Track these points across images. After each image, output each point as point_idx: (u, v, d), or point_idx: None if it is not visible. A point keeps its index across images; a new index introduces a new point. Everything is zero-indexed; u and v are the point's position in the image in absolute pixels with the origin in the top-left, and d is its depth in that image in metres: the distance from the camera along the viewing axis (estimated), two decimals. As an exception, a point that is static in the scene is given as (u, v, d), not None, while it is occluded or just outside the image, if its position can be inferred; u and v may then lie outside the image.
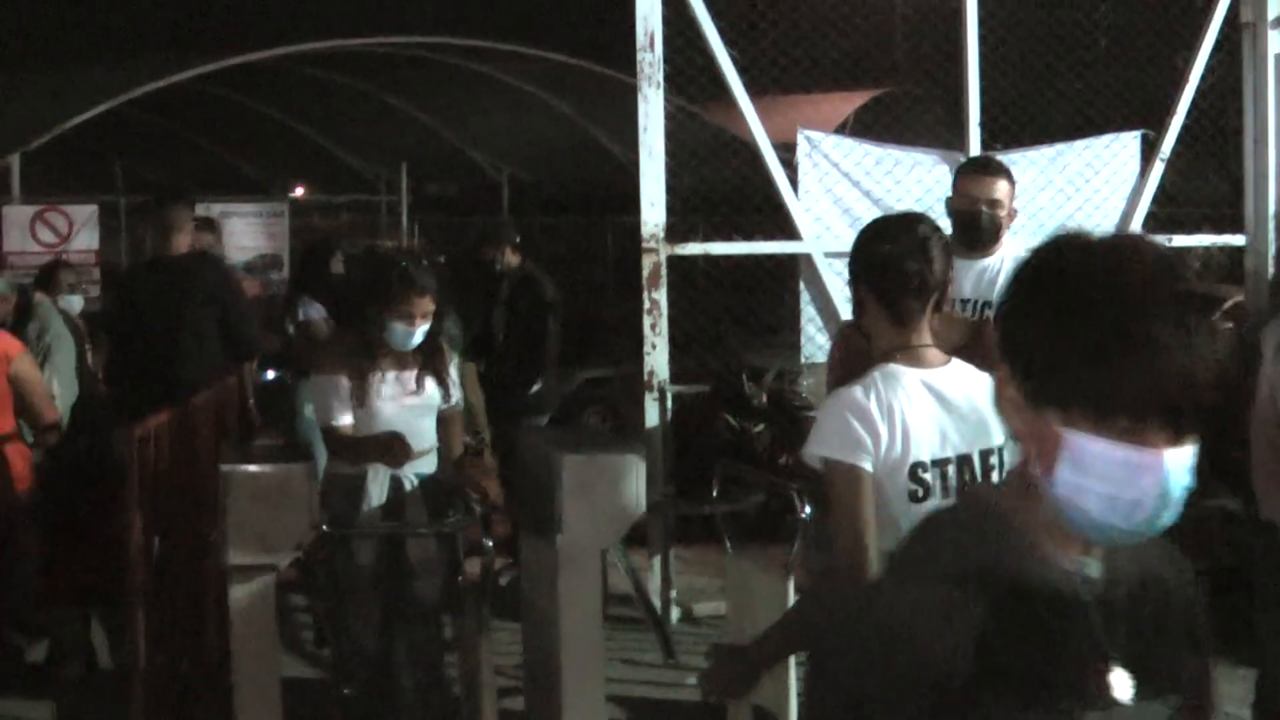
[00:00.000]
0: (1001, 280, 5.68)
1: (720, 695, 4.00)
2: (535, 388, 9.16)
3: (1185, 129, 8.41)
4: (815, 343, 8.00)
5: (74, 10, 22.35)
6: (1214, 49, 8.33)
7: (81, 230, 14.65)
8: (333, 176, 22.06)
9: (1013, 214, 6.00)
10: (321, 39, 16.97)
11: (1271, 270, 8.26)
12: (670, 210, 7.70)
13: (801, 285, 8.08)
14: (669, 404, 7.73)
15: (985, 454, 3.74)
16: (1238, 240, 8.55)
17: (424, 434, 5.68)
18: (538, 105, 18.58)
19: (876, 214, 8.12)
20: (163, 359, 7.31)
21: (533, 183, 20.76)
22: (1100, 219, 8.38)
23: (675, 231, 7.81)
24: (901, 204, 8.16)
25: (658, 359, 7.63)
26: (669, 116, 7.72)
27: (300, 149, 21.98)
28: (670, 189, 7.71)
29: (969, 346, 5.04)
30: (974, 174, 5.98)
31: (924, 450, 3.67)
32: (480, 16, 20.97)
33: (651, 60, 7.57)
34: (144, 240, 8.20)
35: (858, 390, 3.70)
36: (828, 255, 7.92)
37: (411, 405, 5.66)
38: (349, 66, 18.25)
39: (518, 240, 9.64)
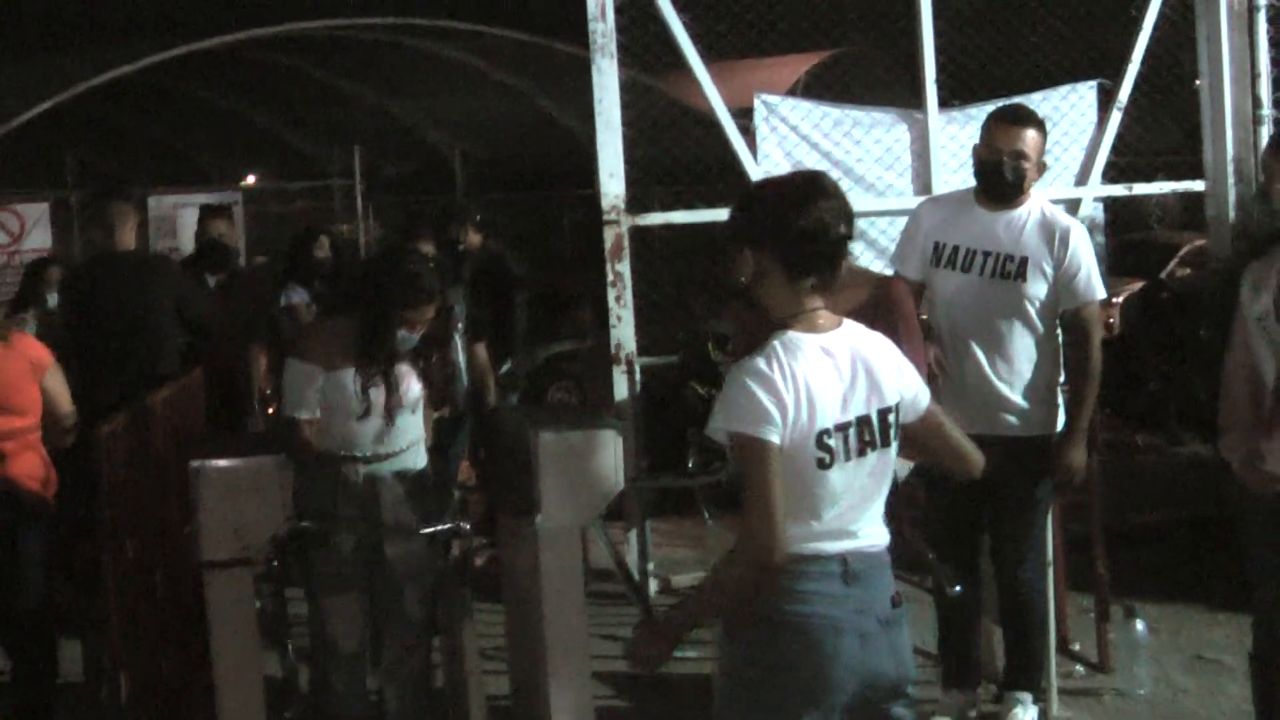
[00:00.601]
0: (1031, 233, 5.72)
1: (644, 668, 3.96)
2: (505, 367, 9.11)
3: (1142, 77, 8.39)
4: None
5: (18, 4, 22.10)
6: (1166, -5, 8.32)
7: (34, 229, 14.52)
8: (286, 163, 21.94)
9: (1042, 167, 5.86)
10: (271, 24, 16.83)
11: (1232, 216, 8.27)
12: (630, 181, 7.65)
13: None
14: (637, 376, 7.69)
15: (883, 413, 3.77)
16: (1197, 186, 8.55)
17: (407, 430, 5.55)
18: (489, 83, 18.52)
19: (837, 175, 8.13)
20: (117, 355, 7.23)
21: (488, 160, 20.67)
22: (1059, 169, 8.36)
23: (636, 202, 7.76)
24: (862, 164, 8.15)
25: (624, 331, 7.59)
26: (626, 88, 7.66)
27: (253, 136, 21.88)
28: (629, 160, 7.66)
29: (874, 300, 5.04)
30: (1000, 124, 5.78)
31: (828, 416, 3.67)
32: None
33: (604, 30, 7.51)
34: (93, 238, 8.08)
35: (760, 361, 3.68)
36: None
37: (395, 402, 5.48)
38: (300, 51, 18.17)
39: (478, 219, 9.58)
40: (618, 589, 7.43)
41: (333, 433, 5.45)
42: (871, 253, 8.03)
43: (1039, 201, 5.85)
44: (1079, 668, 6.66)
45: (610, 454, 5.15)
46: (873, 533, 3.80)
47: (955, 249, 5.80)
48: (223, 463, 5.07)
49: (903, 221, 8.10)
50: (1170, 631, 7.09)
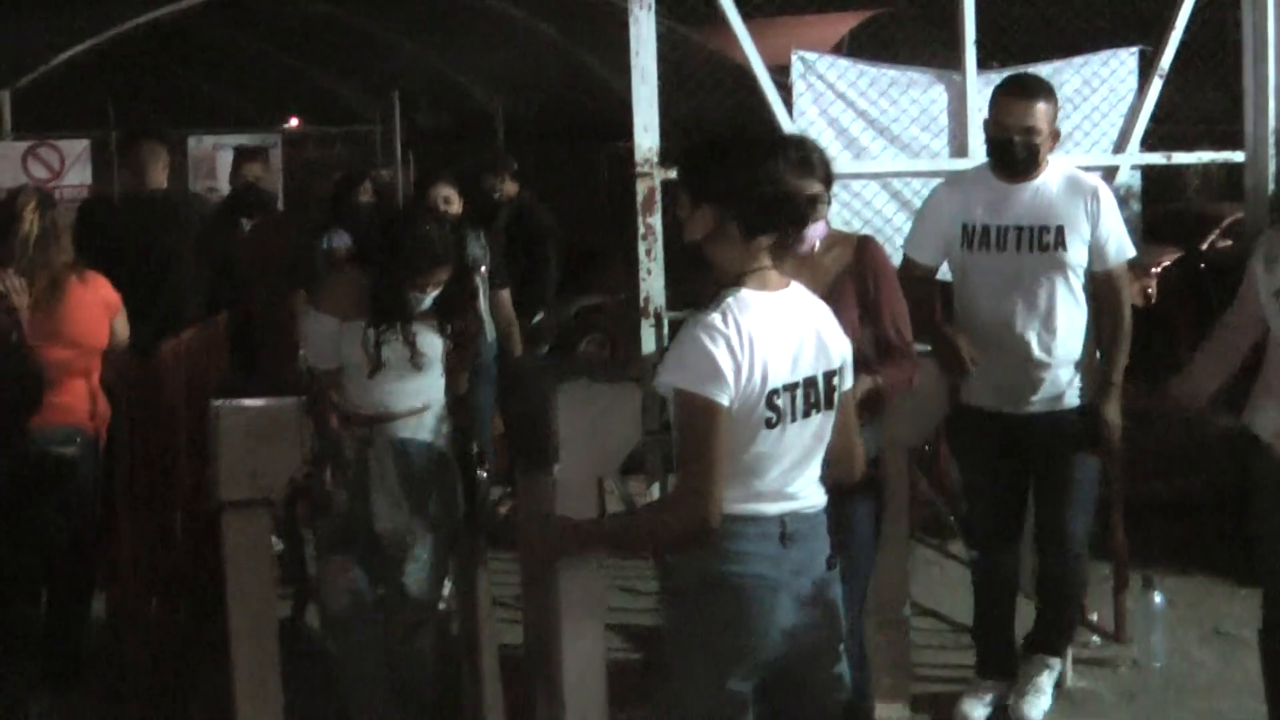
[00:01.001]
0: (1061, 199, 5.64)
1: (534, 555, 4.08)
2: (537, 318, 9.10)
3: (1184, 44, 8.28)
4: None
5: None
6: (1213, -39, 8.22)
7: (74, 165, 14.58)
8: (326, 109, 21.93)
9: (1056, 135, 5.72)
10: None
11: (1271, 188, 8.18)
12: (664, 135, 7.61)
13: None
14: (665, 330, 7.67)
15: (829, 375, 3.77)
16: (1237, 157, 8.45)
17: (421, 391, 5.44)
18: (530, 33, 18.43)
19: (872, 135, 8.12)
20: (144, 296, 7.26)
21: (526, 111, 20.62)
22: (1098, 136, 8.28)
23: (670, 156, 7.72)
24: (898, 124, 8.09)
25: (653, 285, 7.56)
26: (662, 40, 7.61)
27: (293, 82, 21.86)
28: (664, 113, 7.62)
29: (857, 260, 4.92)
30: (1007, 99, 5.63)
31: (779, 375, 3.65)
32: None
33: (642, -18, 7.46)
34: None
35: (715, 317, 3.63)
36: (824, 177, 7.84)
37: (409, 361, 5.39)
38: (341, -1, 18.12)
39: (515, 169, 9.56)
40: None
41: (347, 387, 5.40)
42: (905, 213, 7.98)
43: (1060, 167, 5.77)
44: (1095, 638, 6.65)
45: (629, 407, 5.13)
46: (810, 493, 3.80)
47: (986, 229, 5.68)
48: (242, 403, 5.08)
49: (938, 183, 8.13)
50: (1189, 604, 7.06)
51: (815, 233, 4.72)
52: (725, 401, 3.58)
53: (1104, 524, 6.66)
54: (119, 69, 18.93)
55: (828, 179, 4.73)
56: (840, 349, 3.83)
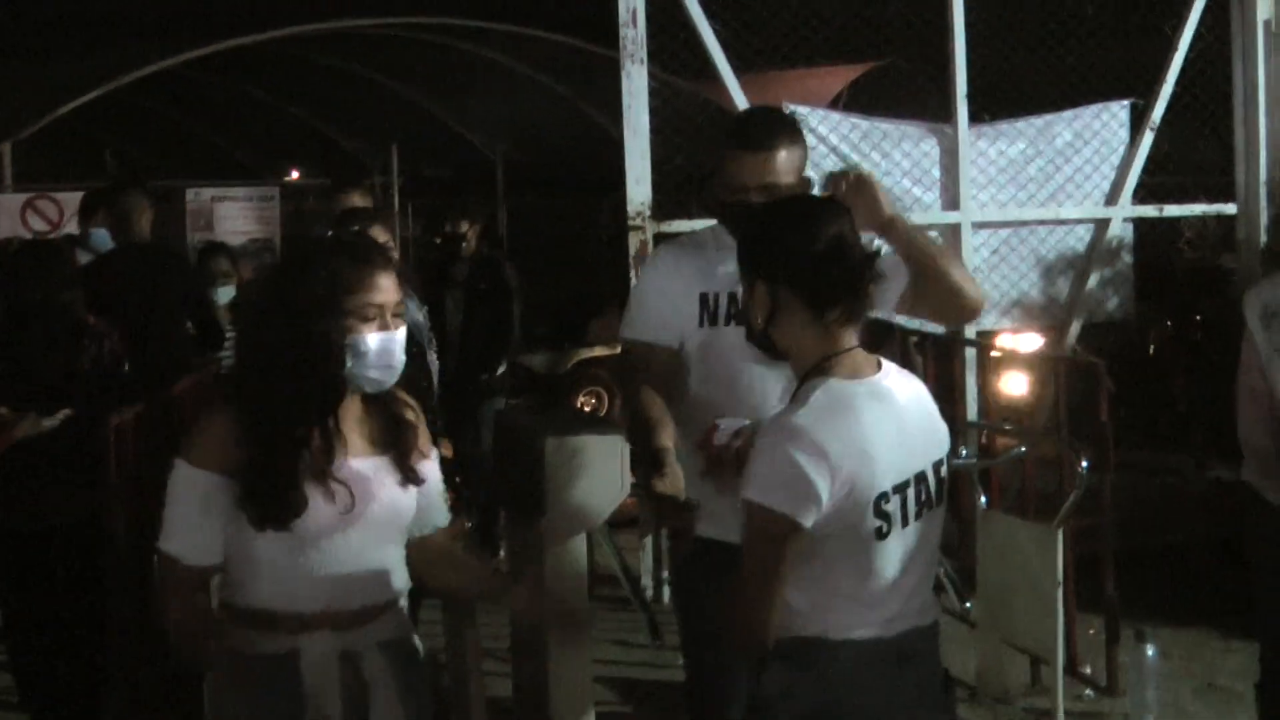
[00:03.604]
0: None
1: (526, 612, 3.89)
2: (500, 370, 9.11)
3: (1175, 97, 8.35)
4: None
5: (62, -3, 22.32)
6: (1202, 15, 8.27)
7: (73, 217, 14.61)
8: (326, 160, 22.00)
9: (806, 184, 4.28)
10: (313, 21, 16.89)
11: (1264, 239, 8.21)
12: (658, 188, 7.64)
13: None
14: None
15: (936, 466, 3.29)
16: (1229, 209, 8.49)
17: (381, 572, 3.37)
18: (531, 85, 18.52)
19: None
20: (138, 345, 7.27)
21: (526, 162, 20.69)
22: (1090, 189, 8.33)
23: (664, 209, 7.75)
24: (889, 177, 8.12)
25: (647, 337, 7.55)
26: (657, 94, 7.66)
27: (293, 132, 21.94)
28: (658, 166, 7.65)
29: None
30: (738, 153, 4.19)
31: (886, 479, 3.15)
32: (472, -4, 20.87)
33: (634, 37, 7.51)
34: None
35: (804, 418, 3.12)
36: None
37: (368, 522, 3.31)
38: (342, 49, 18.21)
39: (483, 223, 9.62)
40: (621, 594, 7.44)
41: (245, 585, 3.31)
42: (897, 266, 8.00)
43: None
44: (1088, 691, 6.61)
45: (616, 460, 5.13)
46: (926, 606, 3.35)
47: (733, 298, 4.18)
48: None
49: (929, 236, 8.15)
50: (1183, 657, 7.03)
51: None
52: (808, 522, 3.08)
53: (1096, 576, 6.65)
54: (119, 120, 19.02)
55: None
56: (943, 431, 3.36)
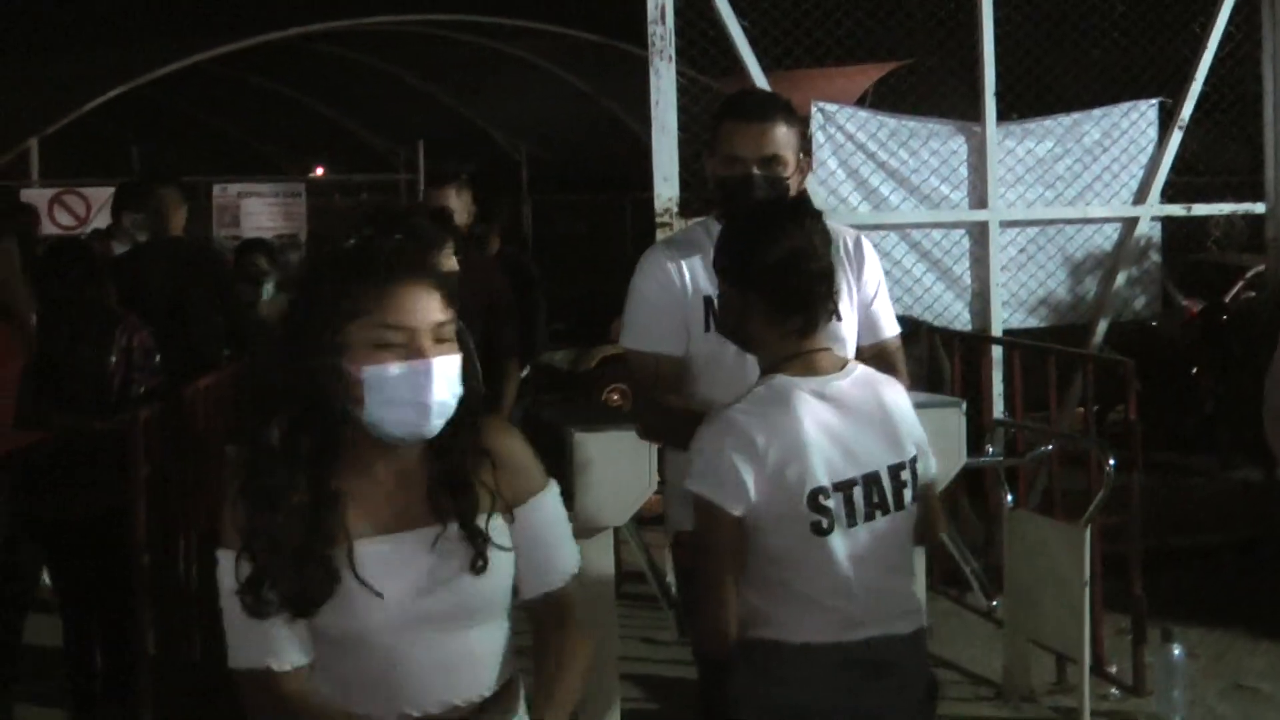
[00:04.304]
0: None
1: None
2: (524, 372, 9.06)
3: (1204, 96, 8.32)
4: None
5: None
6: (1232, 14, 8.23)
7: (100, 212, 14.68)
8: (352, 156, 22.06)
9: (804, 169, 4.14)
10: (338, 18, 16.95)
11: (1292, 239, 8.19)
12: (685, 185, 7.64)
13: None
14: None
15: (895, 469, 3.27)
16: (1258, 208, 8.46)
17: (464, 667, 2.69)
18: (556, 82, 18.55)
19: (892, 186, 8.14)
20: (166, 340, 7.31)
21: (551, 159, 20.71)
22: (1118, 188, 8.31)
23: (691, 207, 7.74)
24: (918, 175, 8.12)
25: (673, 334, 7.55)
26: (685, 91, 7.65)
27: (319, 128, 22.01)
28: (686, 164, 7.65)
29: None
30: (736, 123, 4.03)
31: (823, 474, 3.16)
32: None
33: (662, 34, 7.50)
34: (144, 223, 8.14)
35: (735, 410, 3.21)
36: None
37: (425, 615, 2.64)
38: (367, 45, 18.27)
39: (502, 223, 9.61)
40: (649, 591, 7.43)
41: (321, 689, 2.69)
42: (924, 265, 8.00)
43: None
44: (1114, 690, 6.59)
45: (644, 456, 5.12)
46: (900, 613, 3.32)
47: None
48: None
49: (957, 234, 8.16)
50: (1210, 657, 7.00)
51: None
52: (738, 511, 3.13)
53: (1123, 576, 6.63)
54: (145, 116, 19.07)
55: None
56: (913, 436, 3.35)
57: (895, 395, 3.39)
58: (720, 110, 4.17)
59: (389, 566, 2.59)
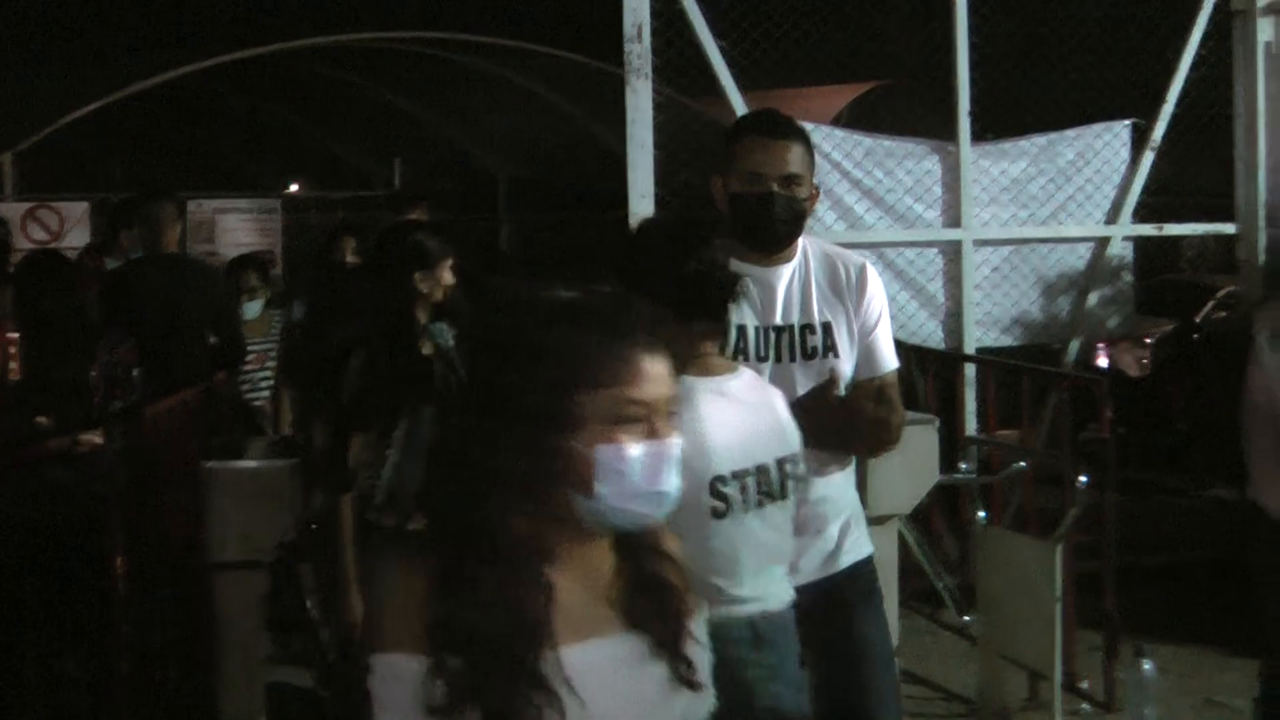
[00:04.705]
0: (823, 286, 4.09)
1: None
2: None
3: (1176, 118, 8.38)
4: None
5: (66, 7, 22.34)
6: (1204, 37, 8.30)
7: (74, 227, 14.63)
8: (330, 173, 22.06)
9: (815, 195, 4.07)
10: (318, 34, 16.95)
11: (1263, 259, 8.25)
12: (662, 203, 7.67)
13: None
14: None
15: (781, 462, 3.56)
16: (1228, 229, 8.52)
17: None
18: (535, 101, 18.56)
19: (867, 204, 8.18)
20: (159, 356, 7.30)
21: (529, 177, 20.73)
22: (1091, 208, 8.36)
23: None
24: (892, 194, 8.16)
25: (648, 352, 7.59)
26: (662, 110, 7.68)
27: (298, 145, 22.00)
28: (662, 182, 7.68)
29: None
30: (756, 138, 4.01)
31: (723, 463, 3.46)
32: (478, 11, 20.93)
33: (639, 52, 7.53)
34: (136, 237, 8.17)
35: None
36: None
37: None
38: (346, 62, 18.26)
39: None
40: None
41: None
42: (898, 284, 8.04)
43: (816, 249, 4.16)
44: (1086, 705, 6.63)
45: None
46: (779, 591, 3.60)
47: (740, 331, 3.96)
48: (234, 465, 5.12)
49: (931, 253, 8.21)
50: (1181, 673, 7.04)
51: None
52: None
53: (1095, 592, 6.67)
54: (122, 130, 19.03)
55: None
56: (792, 434, 3.61)
57: (778, 397, 3.67)
58: (739, 127, 4.19)
59: (601, 679, 2.21)
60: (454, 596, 2.13)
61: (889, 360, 4.14)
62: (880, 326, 4.13)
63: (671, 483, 2.24)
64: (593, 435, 2.18)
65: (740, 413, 3.53)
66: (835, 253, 4.17)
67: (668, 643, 2.28)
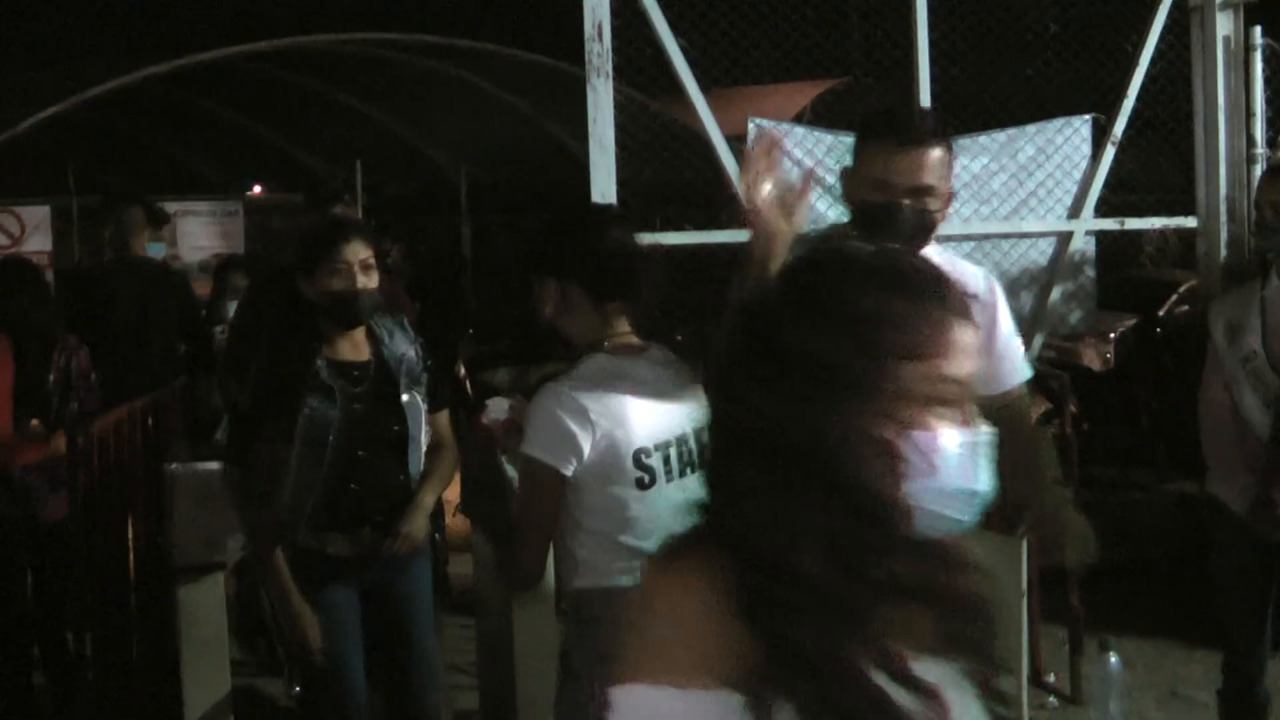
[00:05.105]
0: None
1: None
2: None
3: (1137, 113, 8.41)
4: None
5: (23, 11, 22.19)
6: (1164, 32, 8.33)
7: (34, 232, 14.55)
8: (289, 176, 21.94)
9: (948, 198, 3.86)
10: (276, 37, 16.86)
11: (1223, 254, 8.28)
12: (623, 203, 7.64)
13: (754, 274, 8.03)
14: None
15: (699, 432, 3.67)
16: (1189, 223, 8.55)
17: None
18: (496, 102, 18.51)
19: (829, 201, 8.16)
20: (129, 359, 7.28)
21: (491, 180, 20.68)
22: (1053, 203, 8.38)
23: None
24: (854, 191, 8.14)
25: (611, 351, 7.57)
26: (623, 109, 7.66)
27: (258, 149, 21.88)
28: (623, 183, 7.66)
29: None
30: (891, 147, 3.73)
31: (645, 436, 3.64)
32: (437, 13, 20.86)
33: (600, 51, 7.51)
34: (102, 241, 8.14)
35: (568, 384, 3.64)
36: (780, 244, 7.88)
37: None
38: (305, 65, 18.17)
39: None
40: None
41: None
42: (861, 280, 8.04)
43: (936, 250, 4.02)
44: (1052, 699, 6.65)
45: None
46: None
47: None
48: (196, 467, 5.07)
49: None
50: (1146, 667, 7.07)
51: None
52: (569, 471, 3.58)
53: (1060, 587, 6.68)
54: (82, 135, 18.90)
55: None
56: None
57: (687, 373, 3.84)
58: (868, 126, 3.89)
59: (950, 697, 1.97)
60: (773, 614, 1.75)
61: (1021, 371, 4.07)
62: (1011, 338, 4.07)
63: (985, 480, 1.82)
64: (905, 419, 1.77)
65: (656, 386, 3.71)
66: (962, 266, 3.96)
67: (984, 670, 1.99)
